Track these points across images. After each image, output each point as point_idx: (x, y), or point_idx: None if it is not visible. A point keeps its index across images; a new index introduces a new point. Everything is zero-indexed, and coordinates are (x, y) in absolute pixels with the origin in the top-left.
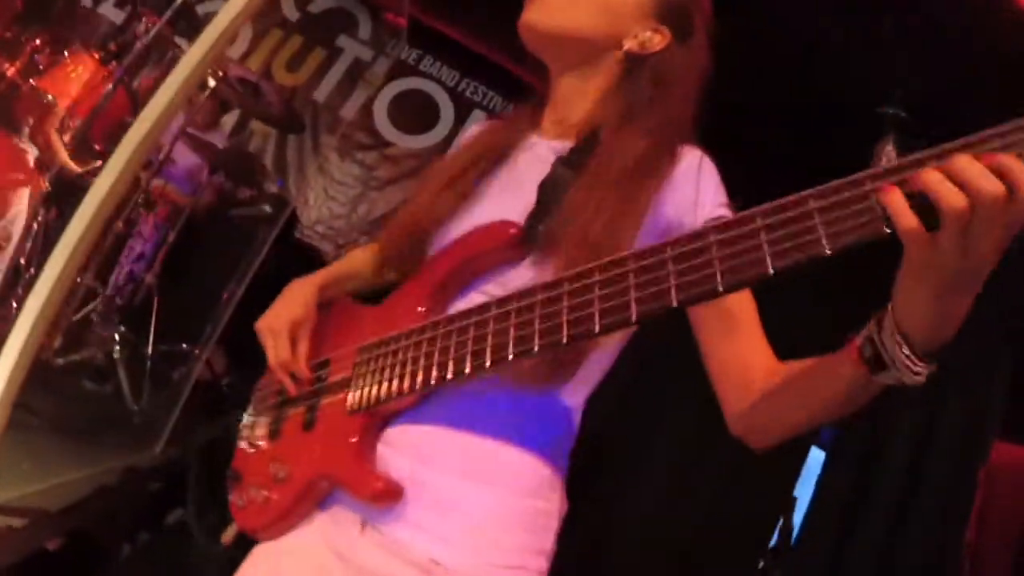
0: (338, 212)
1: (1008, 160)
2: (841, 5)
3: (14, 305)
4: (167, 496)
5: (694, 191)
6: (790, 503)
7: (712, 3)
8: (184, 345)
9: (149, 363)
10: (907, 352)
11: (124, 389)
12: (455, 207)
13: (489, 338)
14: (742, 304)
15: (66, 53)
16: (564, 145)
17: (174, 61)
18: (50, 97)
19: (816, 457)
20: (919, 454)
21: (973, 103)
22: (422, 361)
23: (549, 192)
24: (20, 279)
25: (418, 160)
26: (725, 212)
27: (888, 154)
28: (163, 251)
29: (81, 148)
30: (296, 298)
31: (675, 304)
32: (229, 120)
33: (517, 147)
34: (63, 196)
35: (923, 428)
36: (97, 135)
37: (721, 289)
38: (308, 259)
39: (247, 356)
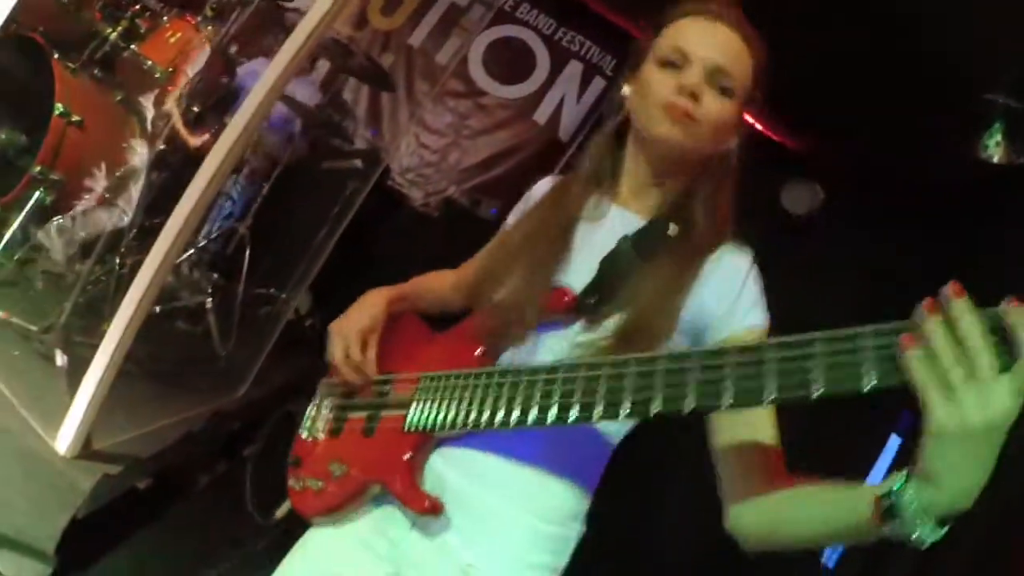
0: (429, 160)
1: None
2: None
3: (117, 261)
4: (245, 432)
5: (734, 297)
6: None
7: None
8: (273, 291)
9: (239, 310)
10: (923, 516)
11: (214, 336)
12: (539, 271)
13: (576, 394)
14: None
15: (165, 18)
16: (636, 220)
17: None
18: (149, 63)
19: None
20: None
21: None
22: (477, 403)
23: (608, 268)
24: (124, 237)
25: (511, 110)
26: (752, 330)
27: (996, 146)
28: (256, 204)
29: (194, 119)
30: (368, 308)
31: (726, 406)
32: (323, 65)
33: (593, 217)
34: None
35: None
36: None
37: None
38: (396, 205)
39: (331, 298)
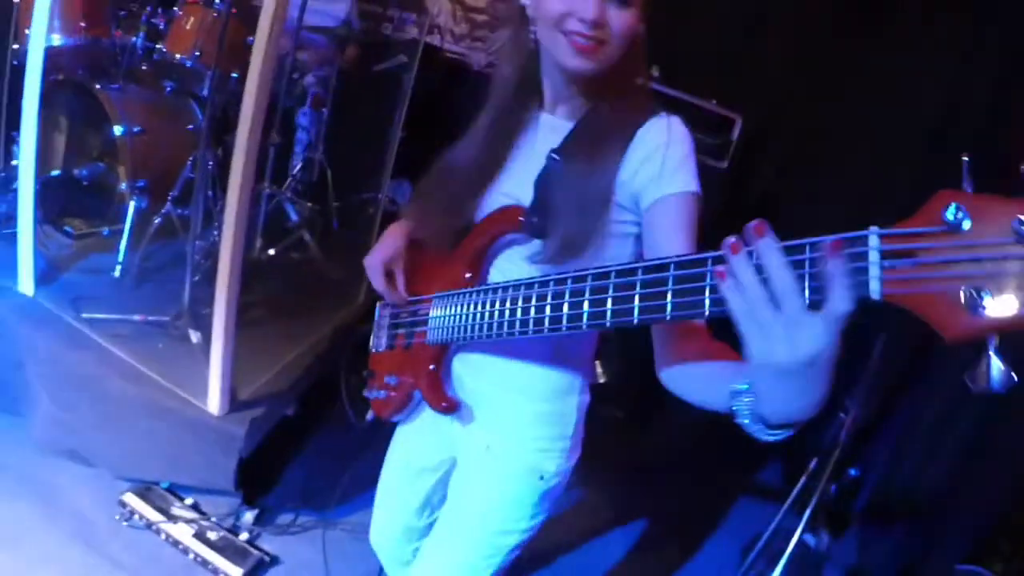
0: (479, 21)
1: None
2: None
3: (215, 233)
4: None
5: (657, 168)
6: None
7: None
8: (365, 195)
9: (336, 226)
10: (753, 419)
11: (320, 262)
12: (486, 181)
13: (562, 308)
14: None
15: (175, 8)
16: (563, 124)
17: None
18: (177, 57)
19: None
20: None
21: None
22: (477, 318)
23: (543, 188)
24: (214, 215)
25: None
26: (673, 197)
27: None
28: (323, 129)
29: (221, 85)
30: (388, 240)
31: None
32: None
33: (528, 121)
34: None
35: None
36: (233, 66)
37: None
38: (462, 74)
39: None
